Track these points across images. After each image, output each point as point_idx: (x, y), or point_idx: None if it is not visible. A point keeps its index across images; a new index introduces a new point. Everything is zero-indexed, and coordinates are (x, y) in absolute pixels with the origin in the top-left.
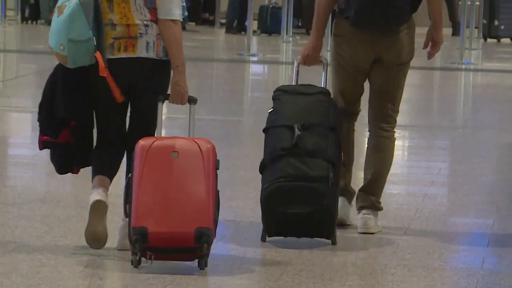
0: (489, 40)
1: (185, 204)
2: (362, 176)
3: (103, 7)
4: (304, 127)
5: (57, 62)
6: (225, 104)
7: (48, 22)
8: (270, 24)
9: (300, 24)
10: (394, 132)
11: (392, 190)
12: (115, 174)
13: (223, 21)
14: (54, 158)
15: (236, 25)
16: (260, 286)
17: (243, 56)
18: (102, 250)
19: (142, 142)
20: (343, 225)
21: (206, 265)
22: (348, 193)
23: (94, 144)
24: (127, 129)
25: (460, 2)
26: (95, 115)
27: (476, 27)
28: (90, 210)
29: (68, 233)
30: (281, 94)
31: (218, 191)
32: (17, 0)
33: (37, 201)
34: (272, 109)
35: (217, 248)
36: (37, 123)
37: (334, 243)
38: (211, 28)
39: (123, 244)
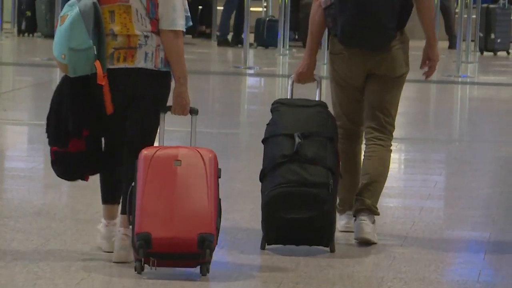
0: (485, 53)
1: (188, 211)
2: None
3: (104, 17)
4: (304, 136)
5: (63, 74)
6: (222, 117)
7: (45, 35)
8: (266, 37)
9: (296, 37)
10: (391, 144)
11: (389, 203)
12: (122, 190)
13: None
14: (63, 166)
15: (233, 37)
16: None
17: (240, 69)
18: (98, 263)
19: (145, 152)
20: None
21: (208, 271)
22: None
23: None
24: (127, 138)
25: (456, 15)
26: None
27: (472, 40)
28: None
29: (64, 245)
30: (279, 106)
31: (220, 199)
32: (13, 13)
33: (33, 214)
34: (270, 121)
35: (216, 256)
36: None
37: (332, 250)
38: (208, 41)
39: (119, 256)
